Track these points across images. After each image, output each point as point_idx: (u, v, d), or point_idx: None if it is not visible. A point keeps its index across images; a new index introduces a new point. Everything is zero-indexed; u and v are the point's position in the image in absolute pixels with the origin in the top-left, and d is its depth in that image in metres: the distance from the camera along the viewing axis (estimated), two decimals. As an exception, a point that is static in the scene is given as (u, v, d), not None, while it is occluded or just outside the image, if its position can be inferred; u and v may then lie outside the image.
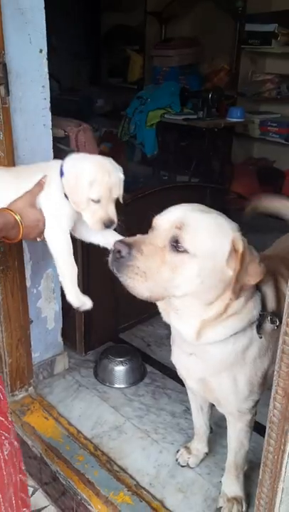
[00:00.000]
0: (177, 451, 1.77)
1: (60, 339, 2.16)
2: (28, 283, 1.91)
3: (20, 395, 1.99)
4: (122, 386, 2.13)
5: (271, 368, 1.33)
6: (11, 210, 1.20)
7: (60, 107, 2.02)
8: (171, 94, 3.98)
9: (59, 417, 1.92)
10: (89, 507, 1.58)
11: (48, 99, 1.77)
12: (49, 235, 1.33)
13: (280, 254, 1.55)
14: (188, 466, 1.72)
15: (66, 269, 1.36)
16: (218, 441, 1.81)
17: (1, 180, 1.37)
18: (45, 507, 1.77)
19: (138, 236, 1.15)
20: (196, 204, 1.20)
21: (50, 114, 1.79)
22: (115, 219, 1.33)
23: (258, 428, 1.49)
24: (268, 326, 1.26)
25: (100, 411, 1.98)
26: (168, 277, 1.10)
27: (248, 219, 1.64)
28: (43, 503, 1.78)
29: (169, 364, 2.16)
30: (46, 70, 1.72)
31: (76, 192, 1.30)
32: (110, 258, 1.12)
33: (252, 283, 1.16)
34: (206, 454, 1.74)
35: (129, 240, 1.12)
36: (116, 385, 2.13)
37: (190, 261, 1.09)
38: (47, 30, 1.70)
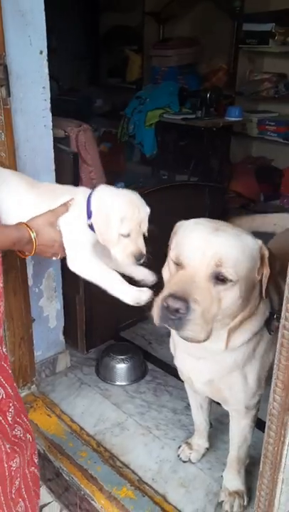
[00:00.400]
0: (179, 447, 1.79)
1: (61, 337, 2.18)
2: (30, 282, 1.93)
3: (23, 393, 2.01)
4: (124, 383, 2.15)
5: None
6: (28, 226, 1.18)
7: (60, 108, 2.03)
8: (170, 94, 4.00)
9: (62, 414, 1.94)
10: (92, 502, 1.60)
11: (49, 100, 1.79)
12: (75, 259, 1.30)
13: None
14: (190, 461, 1.75)
15: (109, 282, 1.29)
16: (219, 437, 1.83)
17: (26, 195, 1.34)
18: (49, 503, 1.79)
19: (176, 280, 1.10)
20: (203, 223, 1.17)
21: (50, 114, 1.81)
22: (144, 252, 1.32)
23: (258, 423, 1.51)
24: (275, 322, 1.28)
25: (102, 408, 2.00)
26: (216, 310, 1.10)
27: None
28: (47, 499, 1.80)
29: (170, 362, 2.18)
30: (46, 71, 1.74)
31: (107, 229, 1.28)
32: (159, 314, 1.08)
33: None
34: (207, 449, 1.76)
35: (180, 292, 1.06)
36: (118, 383, 2.15)
37: (234, 287, 1.10)
38: (46, 31, 1.72)
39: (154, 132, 4.07)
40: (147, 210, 1.33)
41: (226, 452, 1.61)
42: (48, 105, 1.79)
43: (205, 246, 1.09)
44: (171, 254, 1.17)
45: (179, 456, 1.76)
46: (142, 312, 2.50)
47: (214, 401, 1.60)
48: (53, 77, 1.80)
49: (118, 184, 3.14)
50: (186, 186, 2.92)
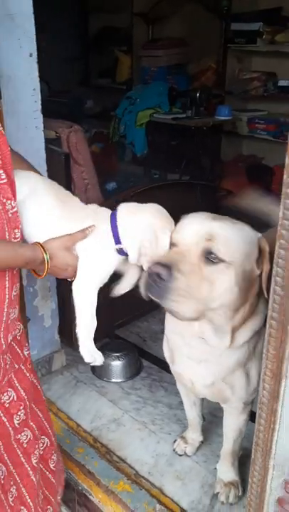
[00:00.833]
0: (174, 442, 1.82)
1: (57, 336, 2.20)
2: (25, 282, 1.95)
3: (19, 392, 2.03)
4: (120, 380, 2.18)
5: None
6: (42, 247, 1.15)
7: (51, 109, 2.06)
8: (160, 94, 4.03)
9: (58, 412, 1.97)
10: (90, 497, 1.63)
11: (39, 102, 1.81)
12: (79, 284, 1.24)
13: None
14: (185, 454, 1.78)
15: (85, 321, 1.25)
16: (214, 431, 1.87)
17: (50, 212, 1.24)
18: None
19: (167, 255, 1.10)
20: (203, 213, 1.18)
21: (41, 116, 1.84)
22: None
23: (251, 416, 1.54)
24: None
25: (99, 405, 2.03)
26: (207, 292, 1.08)
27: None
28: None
29: (165, 358, 2.22)
30: (37, 73, 1.77)
31: (156, 246, 1.17)
32: (145, 283, 1.07)
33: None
34: (202, 442, 1.80)
35: (166, 260, 1.06)
36: (113, 380, 2.18)
37: (227, 270, 1.09)
38: (35, 32, 1.74)
39: (145, 132, 4.10)
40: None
41: (221, 445, 1.64)
42: (39, 107, 1.81)
43: (199, 227, 1.12)
44: (171, 238, 1.16)
45: (174, 450, 1.79)
46: (136, 310, 2.52)
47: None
48: (42, 78, 1.83)
49: (110, 184, 3.17)
50: (177, 185, 2.95)
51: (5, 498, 1.29)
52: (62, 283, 2.11)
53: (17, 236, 1.14)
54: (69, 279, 1.26)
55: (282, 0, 3.67)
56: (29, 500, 1.32)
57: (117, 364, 2.19)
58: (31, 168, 1.32)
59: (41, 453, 1.39)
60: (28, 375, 1.32)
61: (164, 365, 2.24)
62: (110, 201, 1.57)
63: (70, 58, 5.02)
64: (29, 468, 1.31)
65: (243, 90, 4.18)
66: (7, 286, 1.14)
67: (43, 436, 1.40)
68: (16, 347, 1.29)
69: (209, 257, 1.08)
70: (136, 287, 1.25)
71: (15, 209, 1.13)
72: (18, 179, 1.17)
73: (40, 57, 1.76)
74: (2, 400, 1.23)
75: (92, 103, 5.01)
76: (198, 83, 4.28)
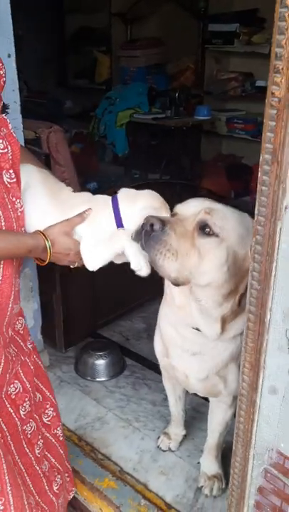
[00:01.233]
0: (158, 438, 1.84)
1: (39, 337, 2.20)
2: (6, 283, 1.95)
3: (2, 393, 2.02)
4: (103, 379, 2.19)
5: None
6: (43, 234, 1.18)
7: (29, 110, 2.05)
8: (139, 94, 4.05)
9: (42, 412, 1.96)
10: (75, 495, 1.64)
11: (19, 103, 1.81)
12: (89, 258, 1.24)
13: None
14: (170, 450, 1.80)
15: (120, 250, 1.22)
16: (197, 426, 1.89)
17: (46, 207, 1.27)
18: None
19: (167, 216, 1.15)
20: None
21: (20, 116, 1.83)
22: None
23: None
24: None
25: (83, 404, 2.04)
26: (196, 262, 1.11)
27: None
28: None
29: (148, 356, 2.24)
30: (16, 74, 1.76)
31: None
32: (137, 232, 1.10)
33: None
34: (185, 436, 1.82)
35: (163, 217, 1.12)
36: (97, 379, 2.19)
37: (219, 245, 1.11)
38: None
39: (125, 132, 4.12)
40: None
41: (204, 440, 1.67)
42: (18, 107, 1.81)
43: (202, 202, 1.18)
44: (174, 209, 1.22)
45: (159, 446, 1.82)
46: (118, 310, 2.52)
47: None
48: (21, 78, 1.83)
49: (91, 184, 3.17)
50: (157, 184, 2.98)
51: None
52: (44, 283, 2.12)
53: None
54: (72, 266, 1.29)
55: (258, 1, 3.73)
56: (34, 491, 1.33)
57: (100, 363, 2.21)
58: (34, 160, 1.36)
59: (48, 423, 1.43)
60: (32, 368, 1.34)
61: (147, 364, 2.27)
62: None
63: (47, 59, 5.00)
64: (33, 459, 1.33)
65: (221, 90, 4.23)
66: (13, 282, 1.18)
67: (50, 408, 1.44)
68: (20, 341, 1.32)
69: (204, 230, 1.12)
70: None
71: (22, 208, 1.18)
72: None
73: (18, 58, 1.76)
74: (9, 392, 1.26)
75: (71, 103, 5.00)
76: (177, 83, 4.32)
